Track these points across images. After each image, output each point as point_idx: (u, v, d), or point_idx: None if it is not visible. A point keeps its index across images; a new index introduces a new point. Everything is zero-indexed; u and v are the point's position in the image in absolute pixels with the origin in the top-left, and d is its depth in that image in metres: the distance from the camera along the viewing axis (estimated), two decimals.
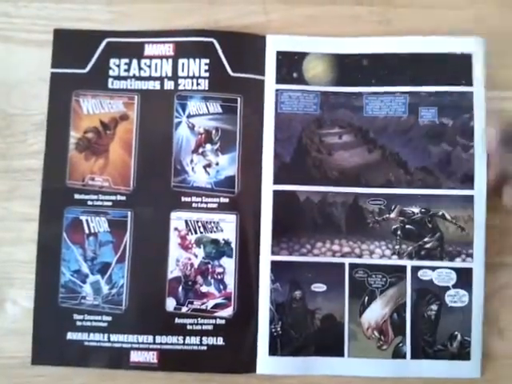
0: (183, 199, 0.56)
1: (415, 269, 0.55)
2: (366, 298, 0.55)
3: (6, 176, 0.56)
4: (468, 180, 0.55)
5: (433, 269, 0.54)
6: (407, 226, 0.55)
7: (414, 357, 0.54)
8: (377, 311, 0.55)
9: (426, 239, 0.55)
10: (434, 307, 0.54)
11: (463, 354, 0.54)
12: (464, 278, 0.54)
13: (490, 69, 0.56)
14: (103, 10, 0.58)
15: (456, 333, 0.54)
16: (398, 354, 0.54)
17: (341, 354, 0.54)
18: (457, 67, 0.56)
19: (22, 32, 0.58)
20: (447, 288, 0.54)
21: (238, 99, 0.56)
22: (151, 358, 0.54)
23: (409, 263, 0.55)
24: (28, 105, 0.57)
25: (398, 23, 0.58)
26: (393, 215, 0.55)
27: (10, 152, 0.57)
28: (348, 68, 0.57)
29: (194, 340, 0.54)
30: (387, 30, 0.58)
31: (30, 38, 0.58)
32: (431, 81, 0.56)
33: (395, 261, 0.55)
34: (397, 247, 0.55)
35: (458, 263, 0.54)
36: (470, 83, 0.56)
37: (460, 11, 0.58)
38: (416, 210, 0.55)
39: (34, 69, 0.57)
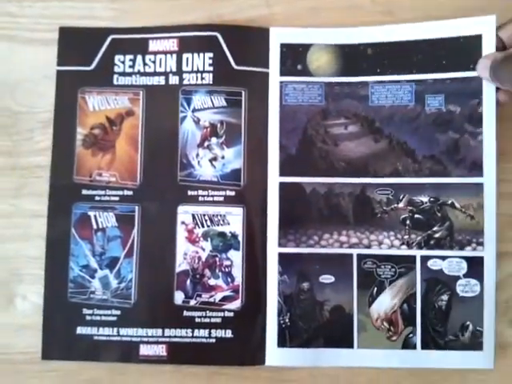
0: (190, 193, 0.56)
1: (425, 258, 0.54)
2: (375, 288, 0.54)
3: (14, 173, 0.57)
4: (477, 168, 0.54)
5: (443, 258, 0.54)
6: (416, 216, 0.55)
7: (424, 347, 0.54)
8: (386, 302, 0.54)
9: (435, 228, 0.54)
10: (445, 297, 0.54)
11: (475, 344, 0.53)
12: (475, 267, 0.53)
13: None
14: (107, 8, 0.58)
15: (468, 323, 0.53)
16: (407, 344, 0.54)
17: (350, 346, 0.54)
18: (465, 51, 0.54)
19: (26, 31, 0.58)
20: (458, 277, 0.54)
21: (243, 92, 0.56)
22: (160, 351, 0.54)
23: (418, 253, 0.54)
24: (34, 103, 0.58)
25: (400, 13, 0.57)
26: (401, 205, 0.55)
27: (16, 150, 0.57)
28: (352, 58, 0.56)
29: (203, 333, 0.54)
30: (390, 20, 0.57)
31: (35, 37, 0.58)
32: (438, 67, 0.55)
33: (404, 251, 0.54)
34: (406, 237, 0.54)
35: (468, 252, 0.54)
36: None
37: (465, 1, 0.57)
38: (425, 199, 0.54)
39: (38, 67, 0.58)
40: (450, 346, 0.53)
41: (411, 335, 0.54)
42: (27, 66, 0.58)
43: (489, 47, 0.54)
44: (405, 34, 0.56)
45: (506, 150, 0.55)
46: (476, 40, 0.54)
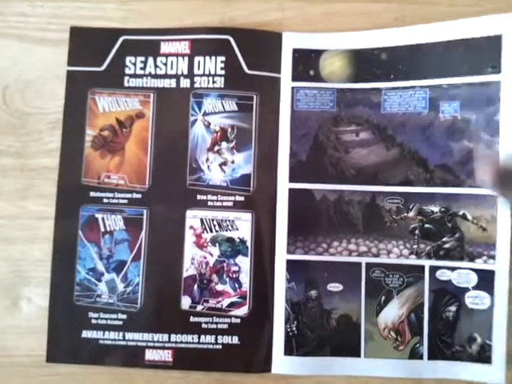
0: (199, 197, 0.55)
1: (433, 269, 0.54)
2: (383, 297, 0.54)
3: (22, 175, 0.57)
4: None
5: (452, 269, 0.53)
6: (426, 225, 0.54)
7: (431, 358, 0.53)
8: (393, 311, 0.54)
9: (445, 239, 0.54)
10: (453, 308, 0.53)
11: (484, 357, 0.52)
12: (486, 281, 0.53)
13: None
14: (118, 9, 0.58)
15: (475, 335, 0.53)
16: (414, 354, 0.53)
17: (357, 355, 0.53)
18: (483, 52, 0.53)
19: (37, 31, 0.58)
20: (467, 289, 0.53)
21: (254, 97, 0.56)
22: (166, 356, 0.54)
23: (427, 263, 0.54)
24: (43, 103, 0.57)
25: (413, 19, 0.57)
26: (411, 214, 0.54)
27: (25, 151, 0.57)
28: (365, 63, 0.56)
29: (209, 339, 0.54)
30: (403, 25, 0.56)
31: (46, 37, 0.58)
32: (453, 71, 0.54)
33: (413, 260, 0.54)
34: (415, 246, 0.54)
35: (478, 264, 0.53)
36: (497, 70, 0.53)
37: (481, 7, 0.56)
38: (435, 208, 0.54)
39: (49, 67, 0.57)
40: (456, 357, 0.53)
41: (418, 345, 0.53)
42: (38, 66, 0.58)
43: (510, 48, 0.52)
44: (420, 36, 0.55)
45: None
46: (495, 40, 0.53)
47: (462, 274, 0.53)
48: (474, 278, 0.53)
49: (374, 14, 0.58)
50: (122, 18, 0.58)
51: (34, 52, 0.58)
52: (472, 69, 0.53)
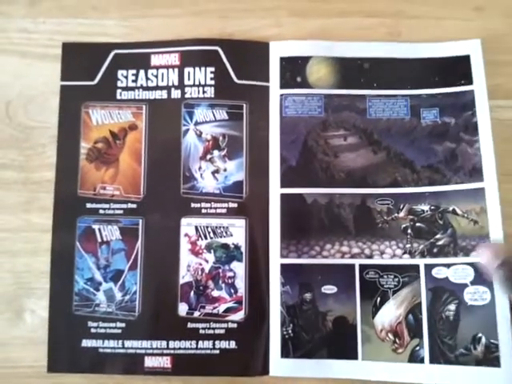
0: (193, 205, 0.56)
1: (429, 267, 0.54)
2: (379, 299, 0.54)
3: (25, 188, 0.58)
4: (477, 173, 0.55)
5: (447, 266, 0.54)
6: (417, 224, 0.55)
7: (432, 361, 0.52)
8: (390, 312, 0.54)
9: (437, 236, 0.55)
10: (452, 307, 0.53)
11: (491, 359, 0.51)
12: (483, 274, 0.53)
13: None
14: (118, 25, 0.60)
15: (480, 335, 0.52)
16: (415, 358, 0.53)
17: (354, 357, 0.53)
18: (455, 69, 0.57)
19: (39, 47, 0.60)
20: (465, 285, 0.53)
21: (244, 105, 0.57)
22: (165, 362, 0.54)
23: (422, 261, 0.54)
24: (46, 118, 0.59)
25: (407, 34, 0.59)
26: (401, 214, 0.55)
27: (28, 164, 0.58)
28: (350, 71, 0.57)
29: (207, 344, 0.54)
30: (396, 40, 0.59)
31: (47, 53, 0.60)
32: (431, 83, 0.57)
33: (407, 260, 0.54)
34: (408, 246, 0.55)
35: (474, 258, 0.53)
36: (469, 83, 0.57)
37: (467, 22, 0.59)
38: (425, 207, 0.55)
39: (50, 83, 0.59)
40: (461, 361, 0.52)
41: (418, 348, 0.53)
42: (40, 81, 0.59)
43: (476, 66, 0.57)
44: (400, 52, 0.57)
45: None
46: (465, 59, 0.57)
47: (458, 270, 0.54)
48: (470, 273, 0.53)
49: (370, 29, 0.59)
50: (121, 34, 0.60)
51: (36, 67, 0.60)
52: (447, 82, 0.57)
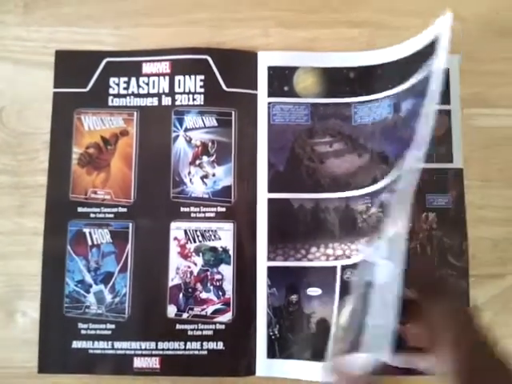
0: (182, 209, 0.58)
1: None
2: None
3: (17, 192, 0.59)
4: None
5: None
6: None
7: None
8: None
9: None
10: None
11: None
12: None
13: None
14: (112, 34, 0.61)
15: None
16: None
17: None
18: (424, 56, 0.52)
19: (33, 54, 0.61)
20: None
21: (233, 113, 0.59)
22: (154, 363, 0.55)
23: None
24: (39, 124, 0.60)
25: (380, 43, 0.60)
26: (373, 210, 0.56)
27: (21, 169, 0.59)
28: (335, 80, 0.59)
29: (195, 345, 0.56)
30: (373, 48, 0.60)
31: (41, 60, 0.61)
32: (406, 77, 0.54)
33: None
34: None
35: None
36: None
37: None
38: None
39: (44, 90, 0.60)
40: None
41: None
42: (33, 88, 0.60)
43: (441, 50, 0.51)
44: (379, 58, 0.59)
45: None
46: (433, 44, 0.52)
47: None
48: None
49: (351, 40, 0.61)
50: (114, 42, 0.61)
51: (30, 74, 0.61)
52: (418, 69, 0.53)
